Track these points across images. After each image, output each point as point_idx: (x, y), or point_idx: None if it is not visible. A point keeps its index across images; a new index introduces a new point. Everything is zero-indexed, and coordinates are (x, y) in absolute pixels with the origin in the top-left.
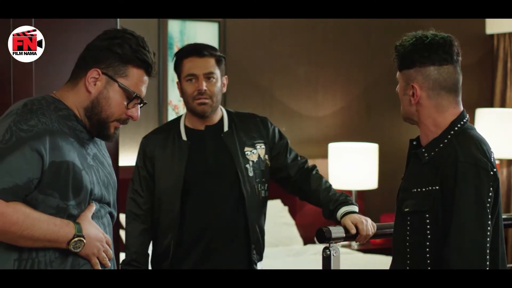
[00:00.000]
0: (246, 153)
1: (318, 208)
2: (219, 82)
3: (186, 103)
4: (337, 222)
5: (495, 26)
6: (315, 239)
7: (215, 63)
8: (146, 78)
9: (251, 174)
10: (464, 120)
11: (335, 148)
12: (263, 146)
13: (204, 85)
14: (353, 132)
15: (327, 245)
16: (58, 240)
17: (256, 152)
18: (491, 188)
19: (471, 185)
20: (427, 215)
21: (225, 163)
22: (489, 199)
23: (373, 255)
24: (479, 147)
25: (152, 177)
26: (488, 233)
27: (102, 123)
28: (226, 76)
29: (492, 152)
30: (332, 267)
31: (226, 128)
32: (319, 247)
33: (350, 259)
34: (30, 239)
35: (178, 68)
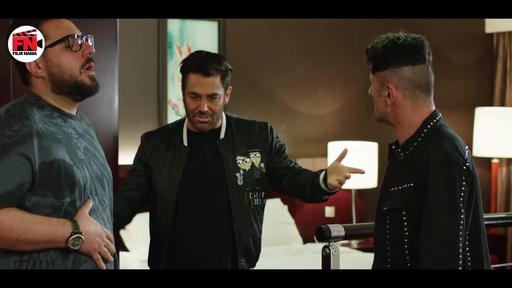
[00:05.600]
0: (238, 161)
1: (318, 207)
2: (222, 99)
3: (187, 114)
4: (326, 189)
5: (494, 25)
6: (315, 237)
7: (220, 81)
8: (62, 21)
9: (240, 183)
10: (437, 118)
11: (335, 147)
12: (258, 155)
13: (205, 106)
14: (353, 131)
15: (326, 243)
16: (56, 240)
17: (249, 161)
18: (464, 183)
19: (442, 181)
20: (404, 213)
21: (217, 171)
22: (462, 194)
23: (373, 253)
24: (451, 143)
25: (147, 174)
26: (461, 227)
27: (74, 84)
28: (230, 87)
29: (466, 149)
30: (332, 266)
31: (222, 135)
32: (318, 246)
33: (349, 257)
34: (28, 243)
35: (183, 78)
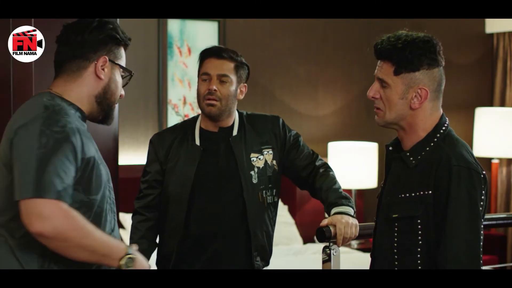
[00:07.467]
0: (252, 159)
1: (317, 207)
2: (234, 86)
3: (198, 102)
4: None
5: (494, 25)
6: (315, 238)
7: (233, 68)
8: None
9: (255, 181)
10: (447, 124)
11: (335, 147)
12: (270, 152)
13: (214, 86)
14: (353, 131)
15: (327, 244)
16: (111, 255)
17: (262, 158)
18: (483, 191)
19: (464, 189)
20: (419, 221)
21: (231, 169)
22: (481, 203)
23: None
24: (468, 151)
25: (161, 181)
26: (481, 237)
27: (110, 107)
28: (245, 85)
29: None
30: (332, 267)
31: (235, 132)
32: (319, 246)
33: (350, 258)
34: (86, 250)
35: (199, 68)
